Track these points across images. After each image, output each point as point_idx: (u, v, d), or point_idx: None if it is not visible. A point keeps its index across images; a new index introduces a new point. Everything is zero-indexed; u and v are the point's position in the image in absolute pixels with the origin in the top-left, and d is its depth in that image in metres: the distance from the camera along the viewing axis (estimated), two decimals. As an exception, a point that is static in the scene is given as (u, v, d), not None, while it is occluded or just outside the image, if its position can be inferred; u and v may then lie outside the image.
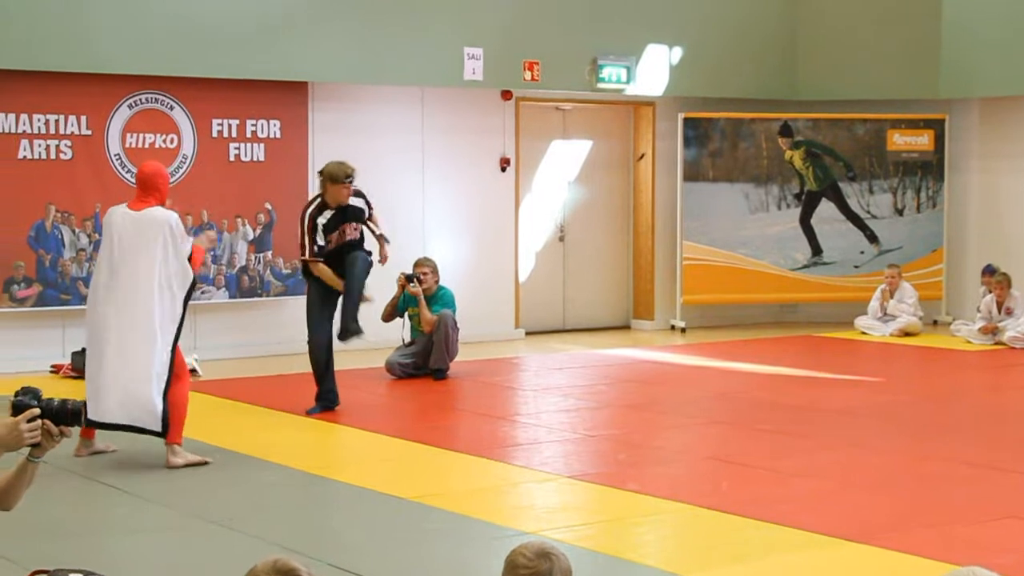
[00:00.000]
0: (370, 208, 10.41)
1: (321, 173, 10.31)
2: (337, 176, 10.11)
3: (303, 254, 10.25)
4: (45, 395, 3.87)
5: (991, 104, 16.34)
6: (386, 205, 14.43)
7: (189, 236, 8.77)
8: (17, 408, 3.81)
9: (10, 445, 3.81)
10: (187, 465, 8.37)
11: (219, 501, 7.64)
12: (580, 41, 14.99)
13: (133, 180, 12.63)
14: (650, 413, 10.66)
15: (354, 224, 10.30)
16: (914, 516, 7.30)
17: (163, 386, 8.26)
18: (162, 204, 8.49)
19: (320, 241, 10.15)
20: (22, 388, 3.89)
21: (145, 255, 8.31)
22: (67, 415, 3.85)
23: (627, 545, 6.90)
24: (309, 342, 10.36)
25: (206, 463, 8.43)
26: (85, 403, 3.67)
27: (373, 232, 10.48)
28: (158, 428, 8.27)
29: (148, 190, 8.51)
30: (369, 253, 10.40)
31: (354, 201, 10.26)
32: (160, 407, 8.24)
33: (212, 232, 12.24)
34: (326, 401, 10.37)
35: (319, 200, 10.27)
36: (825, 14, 16.41)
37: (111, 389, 8.26)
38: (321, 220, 10.17)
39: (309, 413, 10.23)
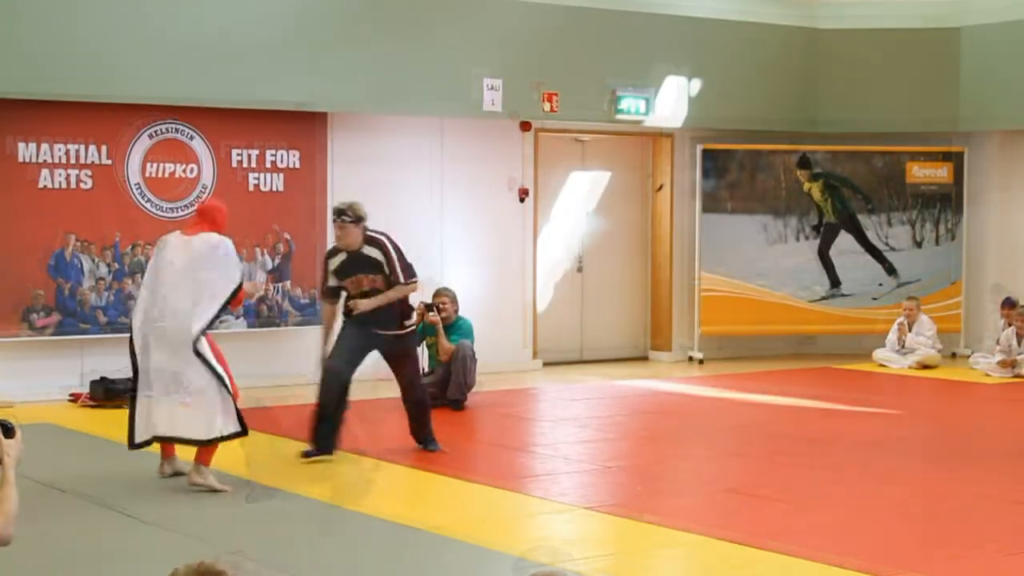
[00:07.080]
0: (388, 261, 9.46)
1: None
2: (333, 213, 9.62)
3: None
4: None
5: (1010, 137, 16.31)
6: (404, 235, 14.50)
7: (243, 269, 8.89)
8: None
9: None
10: (209, 489, 8.40)
11: (234, 530, 7.62)
12: (599, 72, 15.01)
13: (153, 209, 12.81)
14: (668, 444, 10.63)
15: (371, 276, 9.46)
16: (935, 549, 7.25)
17: (226, 387, 8.44)
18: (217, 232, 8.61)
19: (331, 282, 9.57)
20: None
21: (194, 275, 8.41)
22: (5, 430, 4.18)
23: (645, 577, 6.87)
24: (326, 370, 9.56)
25: (225, 491, 8.44)
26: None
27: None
28: (236, 428, 8.50)
29: (204, 218, 8.72)
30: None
31: (369, 251, 9.47)
32: (228, 409, 8.45)
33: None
34: (325, 444, 9.48)
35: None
36: (844, 46, 16.40)
37: (163, 405, 8.42)
38: (334, 262, 9.54)
39: (306, 456, 9.44)
